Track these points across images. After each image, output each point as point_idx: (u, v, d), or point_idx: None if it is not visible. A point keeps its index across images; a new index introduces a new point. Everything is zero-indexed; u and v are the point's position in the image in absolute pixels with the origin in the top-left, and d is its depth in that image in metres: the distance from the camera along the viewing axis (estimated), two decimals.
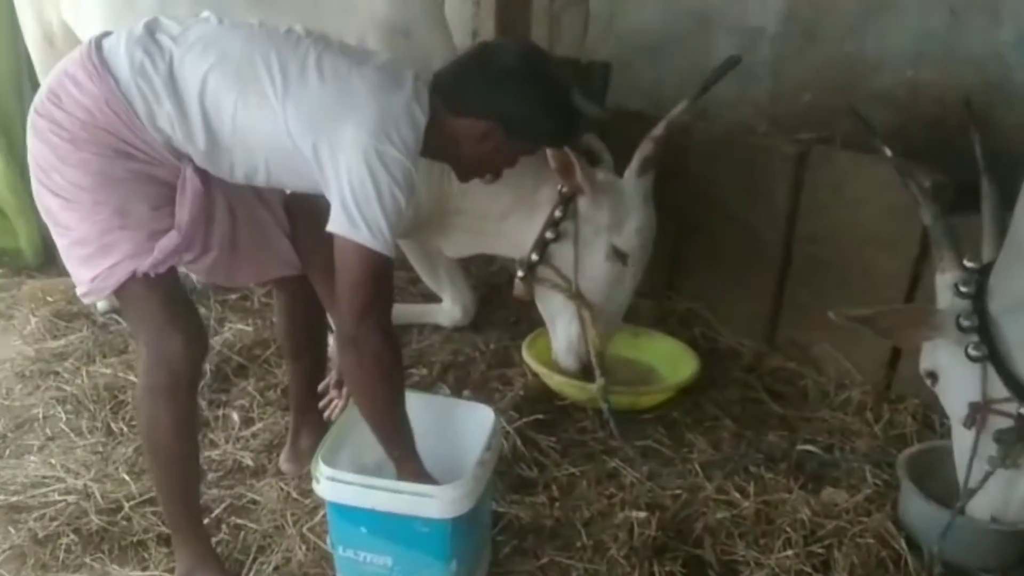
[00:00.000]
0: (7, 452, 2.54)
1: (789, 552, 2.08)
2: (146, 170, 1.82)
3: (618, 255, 2.54)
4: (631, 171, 2.53)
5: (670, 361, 2.89)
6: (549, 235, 2.57)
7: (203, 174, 1.86)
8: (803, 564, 2.04)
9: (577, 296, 2.57)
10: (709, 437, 2.59)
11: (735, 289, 3.09)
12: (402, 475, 1.87)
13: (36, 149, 1.83)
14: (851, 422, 2.63)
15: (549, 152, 2.43)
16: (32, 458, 2.49)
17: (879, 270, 2.65)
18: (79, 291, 1.88)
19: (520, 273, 2.63)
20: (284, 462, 2.42)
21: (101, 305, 3.22)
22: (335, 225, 1.73)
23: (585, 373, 2.63)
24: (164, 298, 1.85)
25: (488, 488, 1.98)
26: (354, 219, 1.70)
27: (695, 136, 3.06)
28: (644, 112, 2.99)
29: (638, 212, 2.53)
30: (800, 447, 2.50)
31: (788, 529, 2.15)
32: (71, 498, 2.25)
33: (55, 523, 2.19)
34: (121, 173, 1.79)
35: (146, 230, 1.82)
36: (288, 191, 2.10)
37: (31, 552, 2.14)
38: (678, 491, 2.34)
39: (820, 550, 2.08)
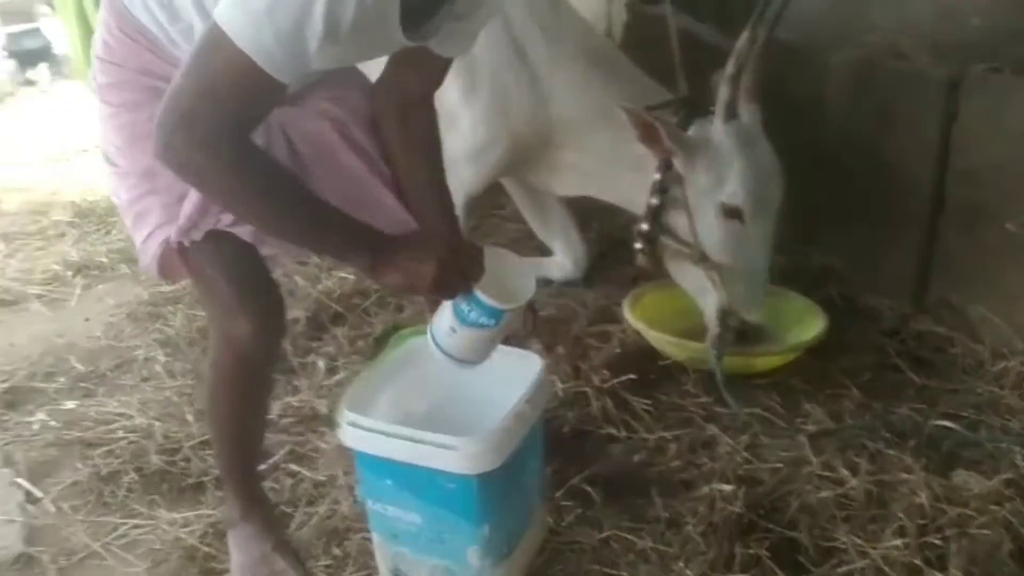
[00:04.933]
0: (101, 391, 2.57)
1: (898, 541, 1.75)
2: None
3: (730, 213, 2.24)
4: (717, 119, 2.22)
5: (795, 321, 2.54)
6: (654, 201, 2.33)
7: None
8: (913, 556, 1.70)
9: (703, 260, 2.29)
10: (829, 407, 2.25)
11: (879, 241, 2.68)
12: (355, 256, 1.47)
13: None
14: (1006, 396, 2.20)
15: (627, 116, 2.17)
16: (122, 397, 2.50)
17: None
18: None
19: (638, 244, 2.39)
20: None
21: None
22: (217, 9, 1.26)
23: (739, 341, 2.32)
24: (227, 271, 1.57)
25: (533, 446, 1.77)
26: (237, 3, 1.24)
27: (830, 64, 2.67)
28: (793, 43, 2.64)
29: (740, 162, 2.20)
30: (935, 422, 2.12)
31: (902, 515, 1.81)
32: (133, 436, 2.24)
33: (118, 460, 2.18)
34: (148, 126, 1.44)
35: (176, 192, 1.54)
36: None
37: (94, 488, 2.13)
38: (778, 464, 2.04)
39: (937, 541, 1.73)
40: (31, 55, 6.40)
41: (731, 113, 2.19)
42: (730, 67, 2.13)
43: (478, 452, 1.56)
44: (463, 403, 1.85)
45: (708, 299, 2.35)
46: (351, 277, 2.99)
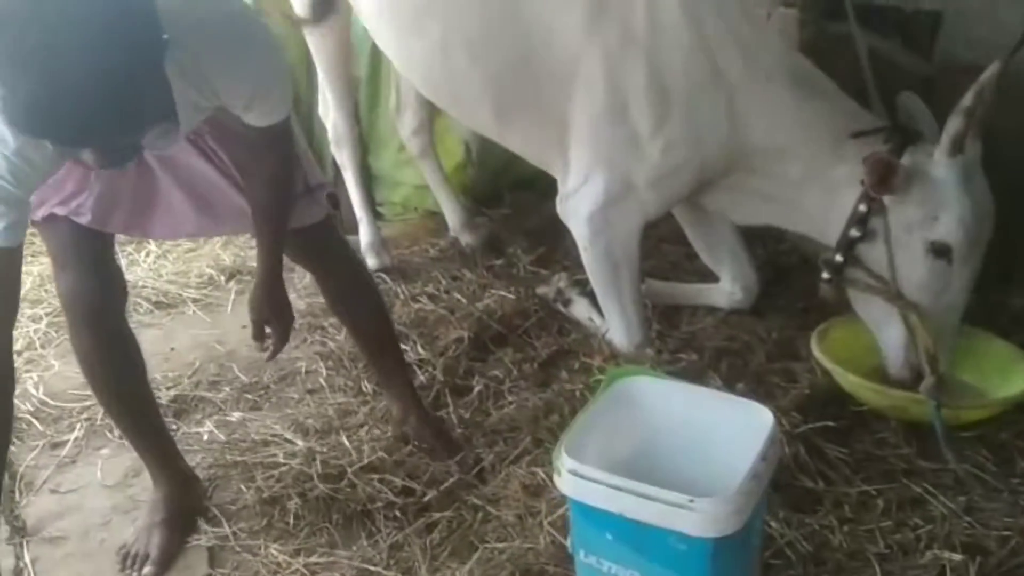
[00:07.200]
0: (267, 404, 2.55)
1: None
2: None
3: (939, 253, 2.10)
4: (941, 152, 2.07)
5: (998, 369, 2.35)
6: (855, 233, 2.20)
7: None
8: None
9: (898, 298, 2.16)
10: None
11: None
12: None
13: None
14: None
15: (867, 165, 2.07)
16: (287, 411, 2.48)
17: None
18: None
19: (825, 275, 2.28)
20: None
21: (370, 263, 3.19)
22: None
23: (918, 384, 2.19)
24: (57, 241, 1.91)
25: (760, 505, 1.64)
26: None
27: None
28: (976, 64, 2.47)
29: (957, 200, 2.07)
30: None
31: None
32: (295, 462, 2.20)
33: (280, 484, 2.14)
34: None
35: None
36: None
37: (262, 512, 2.10)
38: (1006, 532, 1.87)
39: None
40: None
41: (958, 148, 2.05)
42: (969, 99, 1.99)
43: (719, 514, 1.45)
44: (669, 450, 1.75)
45: (891, 335, 2.24)
46: (511, 296, 2.90)
